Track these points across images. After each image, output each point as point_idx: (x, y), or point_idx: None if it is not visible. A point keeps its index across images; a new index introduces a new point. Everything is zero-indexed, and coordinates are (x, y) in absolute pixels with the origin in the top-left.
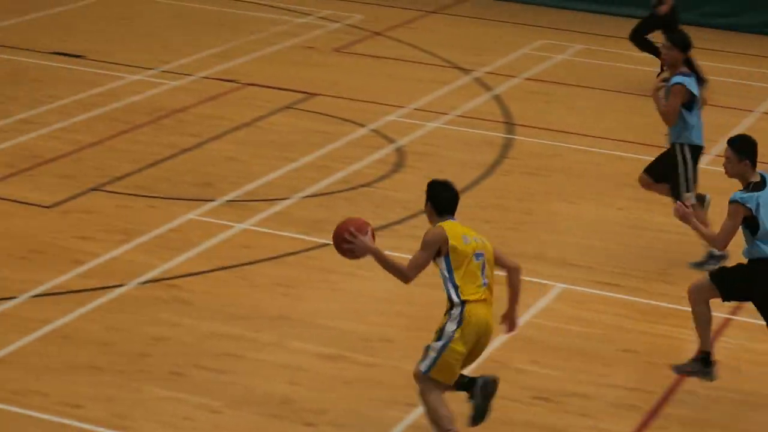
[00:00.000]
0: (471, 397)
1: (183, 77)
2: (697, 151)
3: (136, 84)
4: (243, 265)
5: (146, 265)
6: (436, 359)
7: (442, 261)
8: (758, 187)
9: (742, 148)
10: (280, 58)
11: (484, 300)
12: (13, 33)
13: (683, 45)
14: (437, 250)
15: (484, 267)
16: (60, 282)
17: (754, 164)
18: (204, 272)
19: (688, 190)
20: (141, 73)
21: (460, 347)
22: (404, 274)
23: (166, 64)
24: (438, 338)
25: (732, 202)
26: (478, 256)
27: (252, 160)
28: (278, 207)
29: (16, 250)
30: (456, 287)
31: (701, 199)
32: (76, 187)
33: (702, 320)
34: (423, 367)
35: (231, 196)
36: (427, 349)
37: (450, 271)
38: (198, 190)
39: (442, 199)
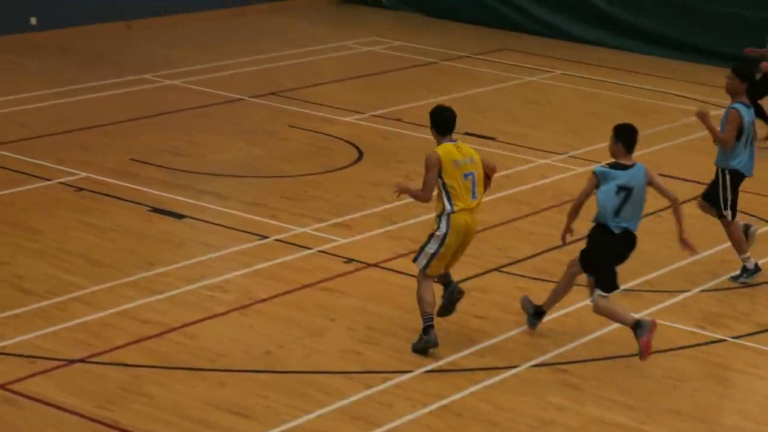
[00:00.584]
0: (443, 295)
1: (590, 163)
2: (737, 177)
3: (543, 168)
4: (632, 355)
5: (539, 349)
6: (430, 260)
7: (439, 179)
8: (620, 167)
9: (620, 132)
10: (689, 148)
11: (471, 209)
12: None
13: (744, 75)
14: (438, 169)
15: (474, 184)
16: (454, 359)
17: (627, 148)
18: (594, 360)
19: (725, 209)
20: (549, 157)
21: (447, 249)
22: (421, 195)
23: (575, 149)
24: (429, 241)
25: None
26: (466, 176)
27: (655, 249)
28: (675, 299)
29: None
30: (450, 199)
31: (746, 229)
32: (478, 266)
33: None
34: (420, 264)
35: (629, 285)
36: (423, 248)
37: (444, 185)
38: None
39: (440, 120)
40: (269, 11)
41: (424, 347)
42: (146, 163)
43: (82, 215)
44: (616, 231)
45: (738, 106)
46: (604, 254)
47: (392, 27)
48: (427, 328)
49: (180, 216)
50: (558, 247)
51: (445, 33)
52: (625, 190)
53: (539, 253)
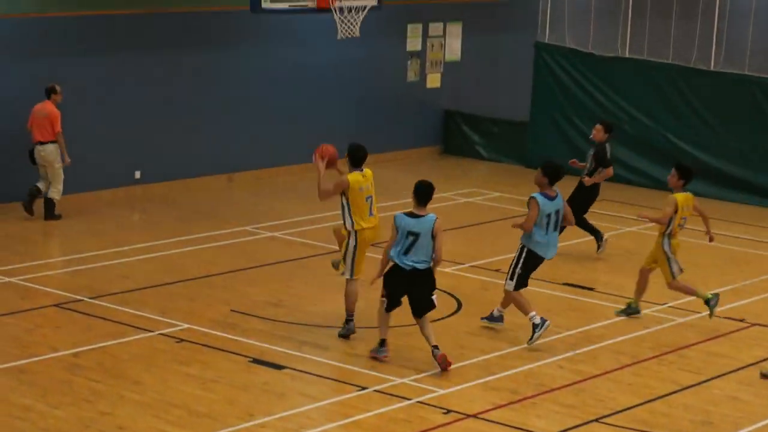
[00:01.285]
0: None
1: (690, 314)
2: (533, 258)
3: (643, 318)
4: None
5: None
6: (352, 268)
7: (343, 197)
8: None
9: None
10: None
11: (372, 227)
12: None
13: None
14: (342, 190)
15: (371, 206)
16: None
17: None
18: None
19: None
20: (649, 307)
21: (360, 258)
22: (320, 192)
23: (675, 299)
24: (345, 256)
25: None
26: (367, 198)
27: (755, 401)
28: None
29: None
30: (351, 218)
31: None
32: (576, 417)
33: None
34: (347, 275)
35: None
36: (341, 262)
37: (350, 206)
38: (698, 428)
39: (356, 157)
40: (371, 164)
41: (346, 334)
42: (247, 314)
43: (183, 366)
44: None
45: (537, 195)
46: None
47: (491, 178)
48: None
49: (280, 367)
50: (659, 397)
51: None
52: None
53: (640, 404)
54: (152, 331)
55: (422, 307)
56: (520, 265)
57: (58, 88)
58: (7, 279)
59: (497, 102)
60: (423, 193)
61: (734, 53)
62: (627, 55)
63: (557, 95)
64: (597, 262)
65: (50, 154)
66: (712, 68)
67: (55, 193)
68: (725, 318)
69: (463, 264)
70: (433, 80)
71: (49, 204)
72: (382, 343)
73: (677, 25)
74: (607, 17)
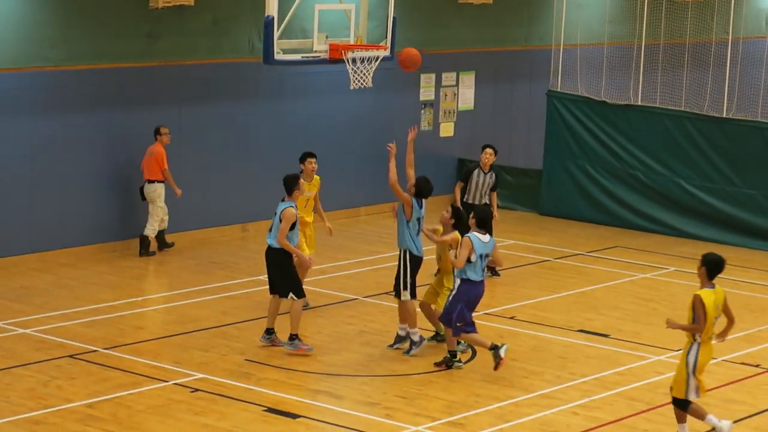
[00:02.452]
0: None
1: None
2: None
3: (657, 364)
4: None
5: None
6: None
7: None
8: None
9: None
10: None
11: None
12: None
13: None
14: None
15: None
16: None
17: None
18: None
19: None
20: (664, 353)
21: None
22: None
23: None
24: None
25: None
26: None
27: None
28: None
29: None
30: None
31: None
32: None
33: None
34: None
35: None
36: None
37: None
38: None
39: (291, 185)
40: (381, 213)
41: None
42: (261, 363)
43: (198, 416)
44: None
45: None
46: None
47: (505, 226)
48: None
49: (295, 416)
50: None
51: (558, 231)
52: None
53: None
54: (167, 381)
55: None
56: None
57: (163, 129)
58: (21, 330)
59: (511, 150)
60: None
61: (746, 100)
62: (639, 103)
63: (570, 143)
64: (613, 309)
65: (153, 192)
66: (724, 115)
67: (150, 230)
68: (741, 364)
69: (478, 312)
70: (447, 129)
71: (144, 240)
72: None
73: (689, 74)
74: (619, 66)
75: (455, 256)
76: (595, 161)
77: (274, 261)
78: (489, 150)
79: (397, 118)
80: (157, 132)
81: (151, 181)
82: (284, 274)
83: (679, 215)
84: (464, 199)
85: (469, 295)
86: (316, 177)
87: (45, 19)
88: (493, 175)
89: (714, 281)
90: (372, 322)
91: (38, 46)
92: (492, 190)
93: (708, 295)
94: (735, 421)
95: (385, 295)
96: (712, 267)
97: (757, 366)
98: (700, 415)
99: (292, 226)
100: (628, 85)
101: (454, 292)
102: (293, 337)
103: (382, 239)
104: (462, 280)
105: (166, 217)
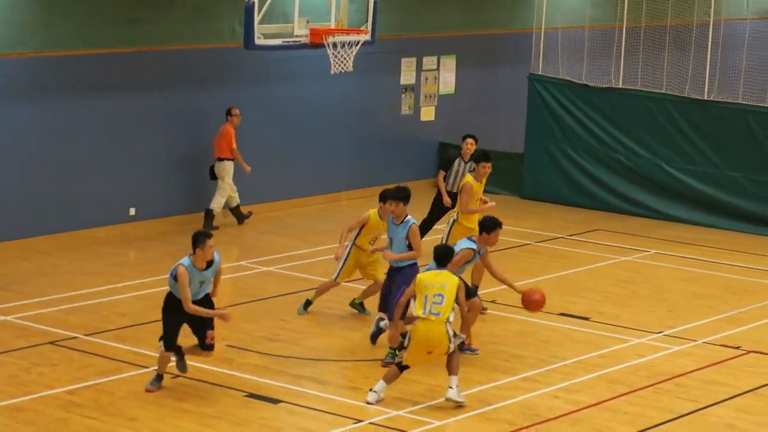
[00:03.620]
0: None
1: (686, 342)
2: None
3: (638, 347)
4: None
5: None
6: None
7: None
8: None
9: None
10: None
11: None
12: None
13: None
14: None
15: None
16: None
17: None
18: None
19: None
20: (645, 336)
21: None
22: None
23: (671, 328)
24: None
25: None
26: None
27: (752, 428)
28: None
29: None
30: None
31: None
32: None
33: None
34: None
35: None
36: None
37: None
38: None
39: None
40: (361, 197)
41: None
42: (243, 349)
43: (180, 402)
44: None
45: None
46: None
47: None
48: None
49: (277, 401)
50: (654, 426)
51: (540, 215)
52: None
53: None
54: (148, 368)
55: None
56: None
57: (234, 110)
58: (2, 317)
59: (492, 134)
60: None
61: (727, 82)
62: (621, 86)
63: (552, 126)
64: (594, 292)
65: (222, 169)
66: (705, 98)
67: (215, 203)
68: (722, 346)
69: None
70: (428, 113)
71: (209, 214)
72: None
73: (670, 56)
74: (600, 49)
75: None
76: (577, 144)
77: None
78: (470, 140)
79: (378, 102)
80: (228, 113)
81: (221, 159)
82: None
83: (661, 198)
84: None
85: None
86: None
87: (26, 4)
88: (473, 164)
89: None
90: (349, 307)
91: (19, 32)
92: None
93: None
94: (717, 403)
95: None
96: None
97: (737, 347)
98: None
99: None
100: (610, 68)
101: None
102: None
103: None
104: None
105: (235, 194)
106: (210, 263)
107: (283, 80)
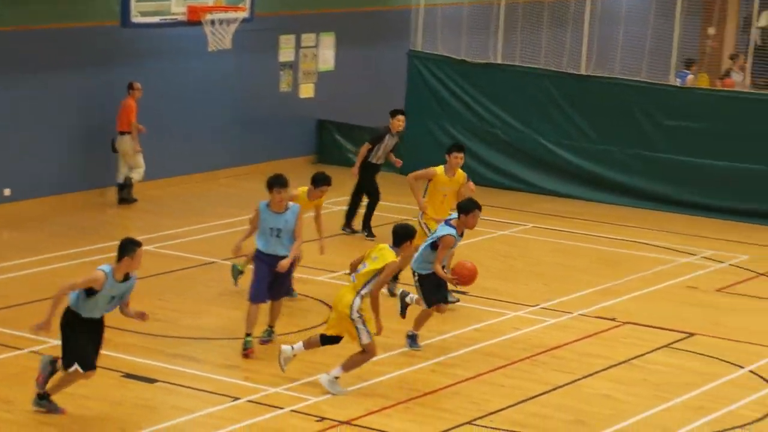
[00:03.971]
0: None
1: (562, 314)
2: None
3: (515, 320)
4: None
5: None
6: None
7: None
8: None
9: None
10: (661, 297)
11: None
12: None
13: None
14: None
15: None
16: None
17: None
18: None
19: None
20: (522, 309)
21: None
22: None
23: (547, 301)
24: None
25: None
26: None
27: (626, 399)
28: None
29: None
30: None
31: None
32: (450, 420)
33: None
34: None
35: None
36: None
37: None
38: (570, 427)
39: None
40: (240, 175)
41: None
42: (119, 329)
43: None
44: None
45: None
46: None
47: None
48: None
49: (153, 380)
50: (532, 398)
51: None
52: None
53: (512, 405)
54: (22, 349)
55: None
56: None
57: (136, 84)
58: None
59: (371, 111)
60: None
61: (604, 57)
62: (499, 62)
63: (431, 102)
64: None
65: (123, 143)
66: (582, 72)
67: (135, 174)
68: (597, 317)
69: (337, 272)
70: (307, 90)
71: (125, 185)
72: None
73: (548, 32)
74: (479, 26)
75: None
76: (456, 120)
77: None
78: (401, 116)
79: (257, 80)
80: (129, 87)
81: (122, 133)
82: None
83: (538, 172)
84: (369, 159)
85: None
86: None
87: None
88: (398, 138)
89: None
90: (231, 285)
91: None
92: (392, 150)
93: None
94: (592, 374)
95: (244, 257)
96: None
97: (612, 319)
98: None
99: (94, 292)
100: (489, 45)
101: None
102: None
103: (241, 202)
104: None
105: (134, 173)
106: (127, 277)
107: (161, 58)
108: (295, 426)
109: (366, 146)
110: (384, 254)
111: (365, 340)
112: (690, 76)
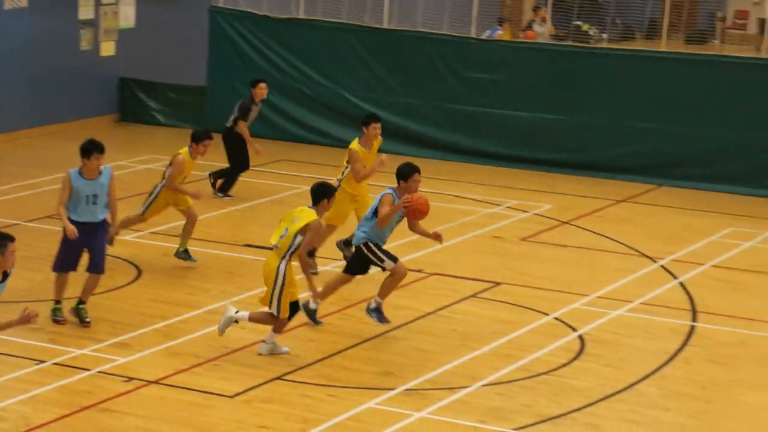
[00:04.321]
0: None
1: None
2: None
3: (323, 275)
4: None
5: None
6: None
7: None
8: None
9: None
10: (467, 247)
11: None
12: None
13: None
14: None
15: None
16: None
17: None
18: None
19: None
20: (328, 264)
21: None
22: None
23: None
24: None
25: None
26: None
27: (435, 349)
28: (457, 395)
29: None
30: None
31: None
32: (259, 376)
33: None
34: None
35: (411, 384)
36: None
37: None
38: (379, 378)
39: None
40: (41, 135)
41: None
42: None
43: None
44: None
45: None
46: None
47: (170, 143)
48: None
49: None
50: (340, 351)
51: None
52: None
53: (322, 359)
54: None
55: None
56: None
57: None
58: None
59: (174, 68)
60: None
61: (406, 11)
62: (302, 17)
63: (234, 58)
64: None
65: None
66: (385, 26)
67: None
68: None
69: (142, 231)
70: (107, 48)
71: None
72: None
73: None
74: None
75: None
76: (259, 76)
77: None
78: (263, 84)
79: (56, 39)
80: None
81: None
82: None
83: (344, 126)
84: (235, 130)
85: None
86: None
87: None
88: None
89: None
90: (36, 247)
91: None
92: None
93: None
94: (401, 326)
95: (47, 218)
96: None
97: (419, 271)
98: None
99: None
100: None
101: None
102: None
103: (43, 162)
104: None
105: None
106: (6, 275)
107: None
108: (103, 387)
109: (242, 123)
110: (303, 214)
111: (275, 308)
112: (499, 32)
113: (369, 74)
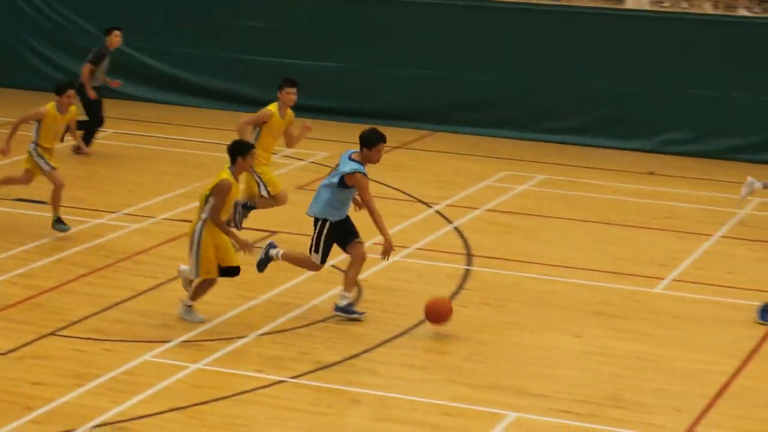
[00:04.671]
0: None
1: (145, 219)
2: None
3: (98, 227)
4: (195, 405)
5: (98, 409)
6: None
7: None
8: None
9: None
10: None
11: None
12: None
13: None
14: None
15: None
16: (11, 429)
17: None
18: (156, 414)
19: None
20: (104, 216)
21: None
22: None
23: (130, 207)
24: None
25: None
26: None
27: (210, 300)
28: (234, 345)
29: None
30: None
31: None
32: (32, 332)
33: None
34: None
35: (187, 336)
36: None
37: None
38: (155, 331)
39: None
40: None
41: None
42: None
43: None
44: None
45: None
46: None
47: None
48: None
49: None
50: (115, 305)
51: None
52: None
53: (95, 313)
54: None
55: None
56: None
57: None
58: None
59: None
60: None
61: None
62: None
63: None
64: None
65: None
66: None
67: None
68: (180, 221)
69: None
70: None
71: None
72: None
73: None
74: None
75: None
76: (22, 22)
77: None
78: (118, 32)
79: None
80: None
81: None
82: None
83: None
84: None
85: None
86: None
87: None
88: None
89: None
90: None
91: None
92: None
93: None
94: (176, 278)
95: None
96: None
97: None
98: None
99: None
100: None
101: None
102: None
103: None
104: None
105: None
106: None
107: None
108: None
109: (88, 67)
110: (217, 174)
111: (194, 274)
112: None
113: (146, 24)
